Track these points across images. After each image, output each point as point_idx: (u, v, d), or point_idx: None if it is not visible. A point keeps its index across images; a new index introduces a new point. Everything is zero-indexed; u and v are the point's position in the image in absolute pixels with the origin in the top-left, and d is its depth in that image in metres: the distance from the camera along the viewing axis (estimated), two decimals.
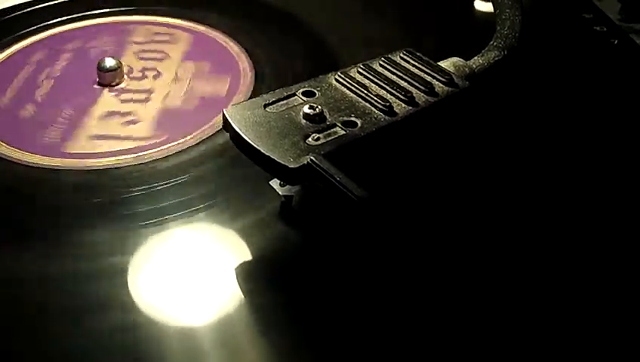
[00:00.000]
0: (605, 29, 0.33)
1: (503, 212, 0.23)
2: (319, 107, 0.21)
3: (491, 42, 0.27)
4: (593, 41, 0.33)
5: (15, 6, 0.35)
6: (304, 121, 0.21)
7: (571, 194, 0.24)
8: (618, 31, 0.33)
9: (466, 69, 0.25)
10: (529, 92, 0.29)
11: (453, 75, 0.24)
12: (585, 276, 0.21)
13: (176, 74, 0.30)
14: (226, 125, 0.21)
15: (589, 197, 0.24)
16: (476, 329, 0.19)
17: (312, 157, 0.19)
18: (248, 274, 0.21)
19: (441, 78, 0.23)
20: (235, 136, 0.21)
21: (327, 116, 0.21)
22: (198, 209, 0.23)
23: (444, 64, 0.25)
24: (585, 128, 0.27)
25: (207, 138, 0.26)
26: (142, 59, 0.31)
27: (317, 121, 0.21)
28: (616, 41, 0.32)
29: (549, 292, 0.20)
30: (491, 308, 0.20)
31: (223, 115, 0.21)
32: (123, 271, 0.21)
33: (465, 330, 0.19)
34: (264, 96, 0.22)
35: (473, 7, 0.36)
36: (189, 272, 0.21)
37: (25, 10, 0.35)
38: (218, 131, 0.26)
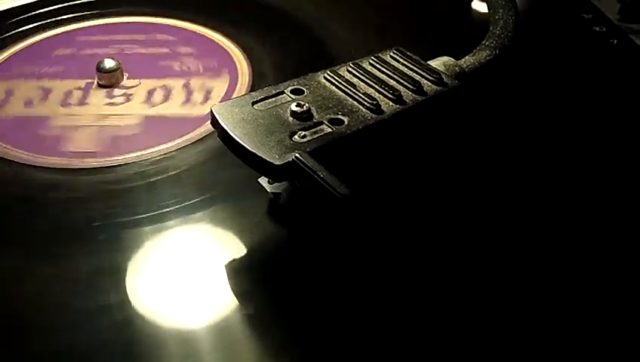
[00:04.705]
0: (604, 30, 0.33)
1: (493, 212, 0.23)
2: (307, 105, 0.22)
3: (483, 42, 0.27)
4: (592, 41, 0.33)
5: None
6: (291, 118, 0.21)
7: (571, 195, 0.24)
8: (617, 31, 0.33)
9: (457, 68, 0.25)
10: (528, 92, 0.29)
11: (443, 74, 0.24)
12: (576, 275, 0.21)
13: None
14: (214, 122, 0.21)
15: (588, 197, 0.24)
16: (461, 326, 0.19)
17: (296, 155, 0.20)
18: (242, 274, 0.21)
19: (430, 77, 0.24)
20: (223, 133, 0.21)
21: (315, 114, 0.22)
22: (194, 209, 0.23)
23: (434, 63, 0.25)
24: (584, 128, 0.27)
25: (203, 138, 0.27)
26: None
27: (304, 118, 0.21)
28: (615, 42, 0.32)
29: (541, 292, 0.20)
30: (475, 303, 0.20)
31: (211, 112, 0.21)
32: (120, 271, 0.21)
33: (453, 329, 0.19)
34: (252, 93, 0.22)
35: (471, 7, 0.36)
36: (185, 272, 0.21)
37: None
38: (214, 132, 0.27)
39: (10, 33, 0.34)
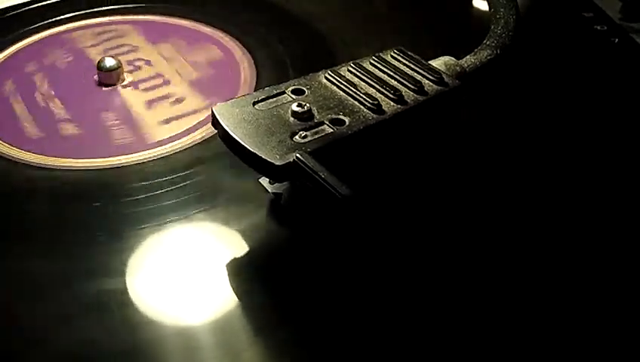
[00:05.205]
0: (606, 28, 0.33)
1: (493, 212, 0.23)
2: (308, 105, 0.22)
3: (484, 41, 0.27)
4: (593, 40, 0.33)
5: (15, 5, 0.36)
6: (292, 118, 0.21)
7: (571, 194, 0.24)
8: (618, 30, 0.33)
9: (457, 68, 0.25)
10: (528, 91, 0.29)
11: (443, 74, 0.24)
12: (575, 275, 0.21)
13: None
14: (215, 122, 0.21)
15: (588, 196, 0.24)
16: (462, 325, 0.19)
17: (297, 155, 0.20)
18: (243, 274, 0.21)
19: (430, 77, 0.24)
20: (224, 134, 0.21)
21: (316, 114, 0.22)
22: (195, 209, 0.23)
23: (435, 63, 0.25)
24: (585, 128, 0.27)
25: (204, 138, 0.27)
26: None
27: (305, 118, 0.21)
28: (616, 40, 0.32)
29: (542, 291, 0.20)
30: (475, 302, 0.20)
31: (212, 112, 0.21)
32: (120, 271, 0.21)
33: (453, 327, 0.19)
34: (253, 93, 0.22)
35: (472, 6, 0.36)
36: (186, 272, 0.21)
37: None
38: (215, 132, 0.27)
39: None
